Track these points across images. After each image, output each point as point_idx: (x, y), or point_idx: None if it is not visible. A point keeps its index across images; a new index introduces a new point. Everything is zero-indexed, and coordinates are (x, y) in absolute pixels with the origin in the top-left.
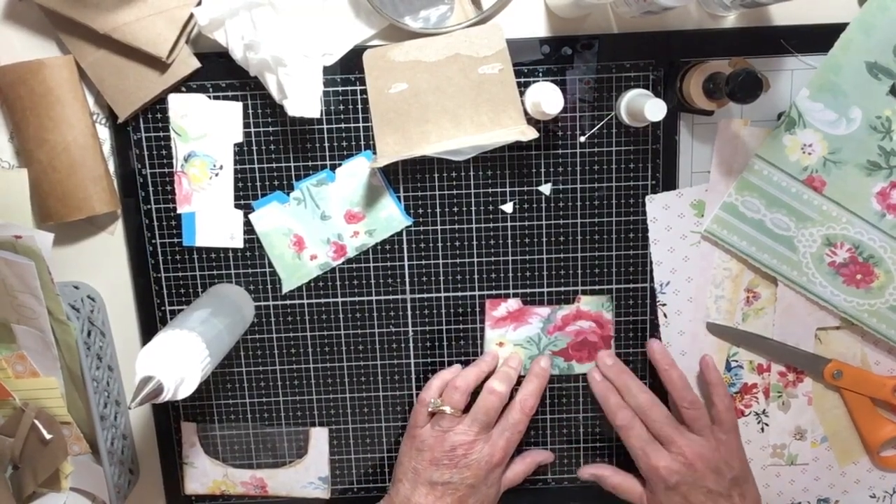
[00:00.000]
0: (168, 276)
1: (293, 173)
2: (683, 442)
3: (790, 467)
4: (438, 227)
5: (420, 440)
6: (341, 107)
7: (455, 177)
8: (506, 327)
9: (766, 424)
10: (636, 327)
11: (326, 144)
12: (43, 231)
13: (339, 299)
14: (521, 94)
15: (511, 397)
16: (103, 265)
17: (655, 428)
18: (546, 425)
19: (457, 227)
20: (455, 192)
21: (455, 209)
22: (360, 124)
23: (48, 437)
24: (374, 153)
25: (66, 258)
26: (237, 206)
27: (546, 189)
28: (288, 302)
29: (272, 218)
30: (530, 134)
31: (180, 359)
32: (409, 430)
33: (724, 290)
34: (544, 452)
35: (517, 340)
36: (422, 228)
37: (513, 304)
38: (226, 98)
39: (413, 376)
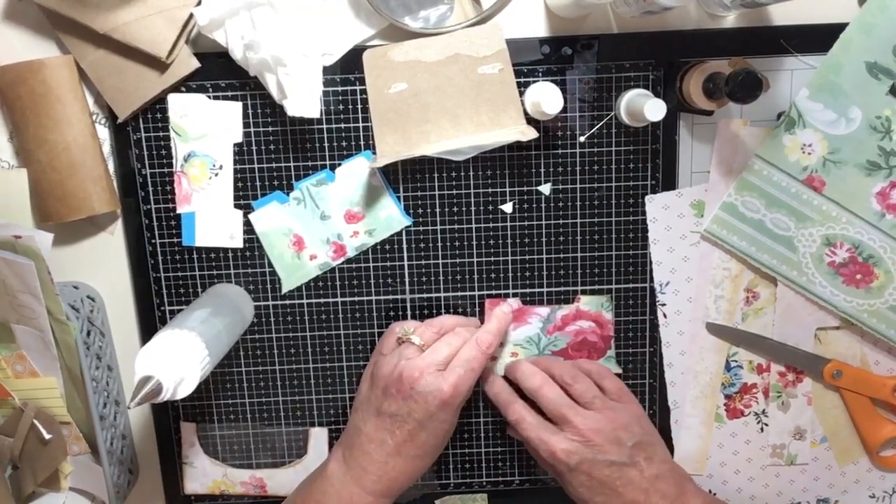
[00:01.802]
0: (168, 275)
1: (293, 173)
2: (577, 420)
3: (789, 467)
4: (438, 227)
5: (378, 367)
6: (341, 107)
7: (455, 177)
8: None
9: (766, 424)
10: (636, 327)
11: (326, 144)
12: (43, 231)
13: (339, 299)
14: (521, 94)
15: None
16: (103, 265)
17: (550, 409)
18: None
19: (457, 227)
20: (455, 192)
21: (455, 209)
22: (360, 124)
23: (47, 436)
24: (374, 153)
25: (66, 258)
26: (237, 206)
27: (546, 189)
28: (287, 302)
29: (272, 218)
30: (530, 134)
31: (179, 358)
32: (373, 356)
33: (724, 290)
34: (505, 304)
35: (517, 340)
36: (421, 228)
37: (512, 303)
38: (225, 98)
39: None
